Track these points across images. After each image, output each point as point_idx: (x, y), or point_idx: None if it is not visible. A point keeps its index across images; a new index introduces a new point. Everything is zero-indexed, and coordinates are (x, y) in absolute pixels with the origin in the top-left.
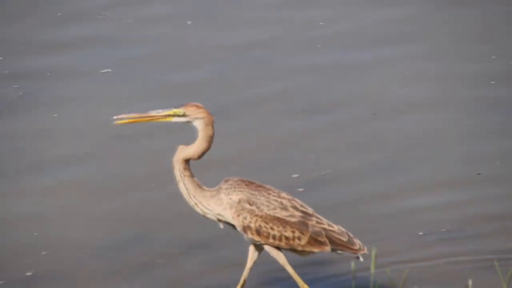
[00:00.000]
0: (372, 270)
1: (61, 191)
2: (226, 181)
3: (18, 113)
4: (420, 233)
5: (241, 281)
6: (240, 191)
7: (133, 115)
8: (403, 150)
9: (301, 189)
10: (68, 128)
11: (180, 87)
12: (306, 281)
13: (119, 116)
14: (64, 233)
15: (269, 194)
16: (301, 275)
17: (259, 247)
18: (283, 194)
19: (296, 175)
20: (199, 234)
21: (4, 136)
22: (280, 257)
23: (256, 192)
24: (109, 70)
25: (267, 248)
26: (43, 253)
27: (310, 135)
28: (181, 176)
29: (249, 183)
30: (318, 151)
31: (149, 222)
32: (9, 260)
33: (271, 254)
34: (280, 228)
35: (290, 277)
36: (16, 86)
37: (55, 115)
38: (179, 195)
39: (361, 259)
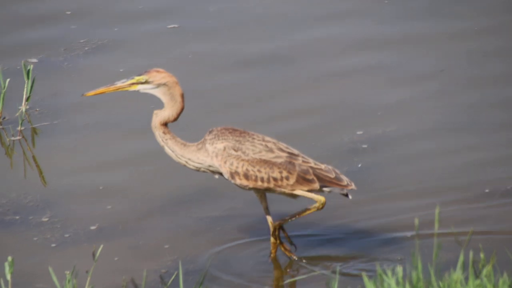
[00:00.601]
0: (436, 227)
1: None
2: (210, 131)
3: None
4: (486, 191)
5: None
6: (225, 139)
7: (100, 88)
8: (469, 108)
9: (365, 146)
10: None
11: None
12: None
13: (87, 93)
14: (128, 187)
15: (254, 139)
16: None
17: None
18: (268, 138)
19: (360, 132)
20: None
21: None
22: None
23: (240, 138)
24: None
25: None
26: (108, 207)
27: (377, 91)
28: (163, 141)
29: (232, 131)
30: (382, 108)
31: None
32: (74, 214)
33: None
34: (267, 170)
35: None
36: None
37: None
38: None
39: (350, 196)
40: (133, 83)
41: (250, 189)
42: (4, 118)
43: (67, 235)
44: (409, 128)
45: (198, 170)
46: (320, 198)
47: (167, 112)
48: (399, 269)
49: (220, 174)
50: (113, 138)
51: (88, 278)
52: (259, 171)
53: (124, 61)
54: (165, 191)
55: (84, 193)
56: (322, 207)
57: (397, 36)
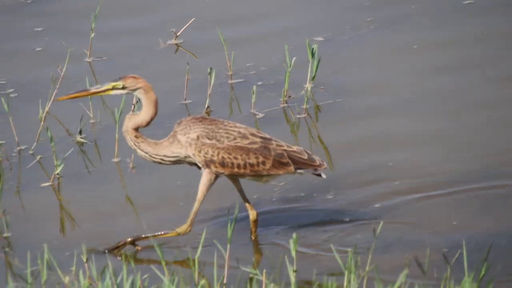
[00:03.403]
0: None
1: None
2: (179, 123)
3: None
4: None
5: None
6: (197, 128)
7: (72, 93)
8: None
9: None
10: None
11: None
12: None
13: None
14: (412, 164)
15: (225, 126)
16: None
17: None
18: (238, 124)
19: None
20: None
21: None
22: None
23: (212, 126)
24: None
25: (203, 176)
26: (396, 183)
27: None
28: (135, 145)
29: (202, 119)
30: None
31: None
32: (357, 194)
33: (201, 181)
34: (244, 156)
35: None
36: None
37: None
38: None
39: (323, 175)
40: (108, 89)
41: (224, 175)
42: (290, 96)
43: (351, 213)
44: None
45: (174, 163)
46: (183, 228)
47: (140, 117)
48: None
49: (194, 164)
50: (392, 118)
51: (369, 256)
52: (235, 158)
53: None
54: (452, 168)
55: (368, 172)
56: (183, 234)
57: None
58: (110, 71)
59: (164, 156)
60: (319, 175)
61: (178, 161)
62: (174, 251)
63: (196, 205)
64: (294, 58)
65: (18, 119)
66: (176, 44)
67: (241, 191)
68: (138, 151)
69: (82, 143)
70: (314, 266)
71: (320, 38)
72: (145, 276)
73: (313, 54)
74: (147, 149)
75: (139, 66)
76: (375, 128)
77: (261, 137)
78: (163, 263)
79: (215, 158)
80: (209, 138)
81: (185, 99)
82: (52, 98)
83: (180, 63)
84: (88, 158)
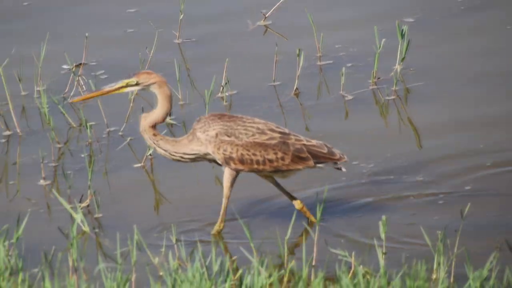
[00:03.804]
0: None
1: None
2: (198, 121)
3: None
4: None
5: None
6: (215, 125)
7: (87, 94)
8: None
9: None
10: None
11: None
12: None
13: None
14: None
15: (244, 122)
16: None
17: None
18: (257, 120)
19: None
20: None
21: None
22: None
23: (231, 123)
24: None
25: (225, 174)
26: (488, 164)
27: None
28: (154, 143)
29: (221, 116)
30: None
31: None
32: (447, 175)
33: (224, 179)
34: (263, 152)
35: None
36: None
37: None
38: None
39: (343, 169)
40: (122, 87)
41: (244, 172)
42: (379, 78)
43: (441, 195)
44: None
45: (194, 160)
46: (215, 228)
47: (156, 113)
48: None
49: (214, 161)
50: (483, 100)
51: (457, 237)
52: (254, 154)
53: None
54: None
55: (458, 155)
56: (219, 232)
57: None
58: (199, 53)
59: (184, 153)
60: (340, 168)
61: (197, 159)
62: (263, 232)
63: (224, 202)
64: (384, 40)
65: (107, 101)
66: (265, 25)
67: (278, 185)
68: (157, 149)
69: (171, 125)
70: (403, 250)
71: (410, 20)
72: (234, 257)
73: (402, 36)
74: (166, 146)
75: (228, 48)
76: (465, 110)
77: (280, 133)
78: (252, 245)
79: (234, 155)
80: (227, 135)
81: (274, 81)
82: None
83: (268, 45)
84: None
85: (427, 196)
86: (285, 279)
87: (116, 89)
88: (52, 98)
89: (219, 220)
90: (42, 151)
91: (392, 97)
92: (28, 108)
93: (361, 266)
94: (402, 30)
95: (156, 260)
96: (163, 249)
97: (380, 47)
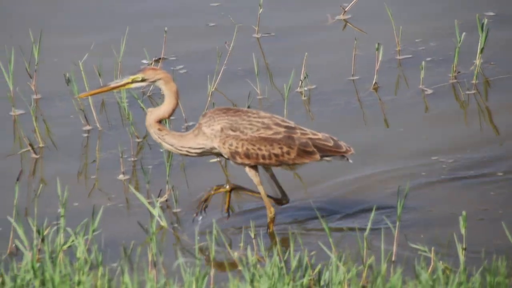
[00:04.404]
0: None
1: None
2: (204, 115)
3: None
4: None
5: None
6: (220, 119)
7: (93, 90)
8: None
9: None
10: None
11: None
12: None
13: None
14: None
15: (249, 116)
16: None
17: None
18: (263, 114)
19: None
20: None
21: None
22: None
23: (236, 118)
24: None
25: (246, 169)
26: None
27: None
28: (159, 138)
29: (226, 110)
30: None
31: None
32: None
33: (249, 175)
34: (268, 147)
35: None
36: None
37: None
38: None
39: (351, 160)
40: (127, 83)
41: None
42: (459, 72)
43: None
44: None
45: (200, 155)
46: (269, 215)
47: (162, 109)
48: None
49: (220, 155)
50: None
51: None
52: (259, 149)
53: None
54: None
55: None
56: (273, 217)
57: None
58: (277, 47)
59: (190, 148)
60: (347, 160)
61: (204, 153)
62: (342, 228)
63: (260, 189)
64: (464, 34)
65: (186, 95)
66: (344, 19)
67: (274, 179)
68: (163, 144)
69: None
70: (483, 244)
71: (491, 13)
72: (312, 253)
73: (483, 29)
74: (171, 141)
75: (307, 42)
76: None
77: (286, 127)
78: (331, 240)
79: (239, 149)
80: (232, 130)
81: (353, 75)
82: (219, 75)
83: (347, 39)
84: None
85: (509, 191)
86: (364, 274)
87: (121, 85)
88: (131, 93)
89: (267, 207)
90: (121, 146)
91: (473, 91)
92: (108, 103)
93: (440, 262)
94: (482, 23)
95: (235, 255)
96: (241, 244)
97: (460, 41)
